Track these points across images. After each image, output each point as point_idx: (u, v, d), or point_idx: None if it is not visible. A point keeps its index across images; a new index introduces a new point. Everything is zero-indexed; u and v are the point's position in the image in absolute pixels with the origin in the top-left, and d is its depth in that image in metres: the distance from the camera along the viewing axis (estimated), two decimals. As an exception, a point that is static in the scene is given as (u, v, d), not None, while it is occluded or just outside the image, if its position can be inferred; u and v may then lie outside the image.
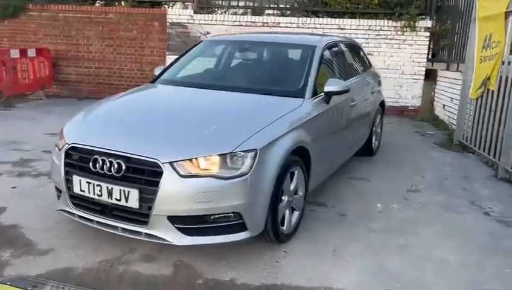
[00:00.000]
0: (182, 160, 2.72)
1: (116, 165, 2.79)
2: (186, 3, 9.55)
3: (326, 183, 4.46)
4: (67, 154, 3.01)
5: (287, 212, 3.26)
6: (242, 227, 2.83)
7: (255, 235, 2.94)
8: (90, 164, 2.88)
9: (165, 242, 2.76)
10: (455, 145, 6.41)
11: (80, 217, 3.00)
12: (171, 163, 2.69)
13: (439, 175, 5.05)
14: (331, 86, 3.74)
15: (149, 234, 2.77)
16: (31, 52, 8.86)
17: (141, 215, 2.75)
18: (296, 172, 3.29)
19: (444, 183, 4.79)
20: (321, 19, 8.87)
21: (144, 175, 2.73)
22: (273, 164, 2.93)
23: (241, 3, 9.72)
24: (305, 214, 3.77)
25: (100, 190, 2.83)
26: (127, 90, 4.02)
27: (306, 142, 3.34)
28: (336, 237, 3.43)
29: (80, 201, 2.98)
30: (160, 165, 2.69)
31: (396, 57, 8.78)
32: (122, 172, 2.77)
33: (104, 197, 2.83)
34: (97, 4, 9.76)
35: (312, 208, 3.96)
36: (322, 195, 4.23)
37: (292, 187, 3.26)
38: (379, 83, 5.79)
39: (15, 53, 8.39)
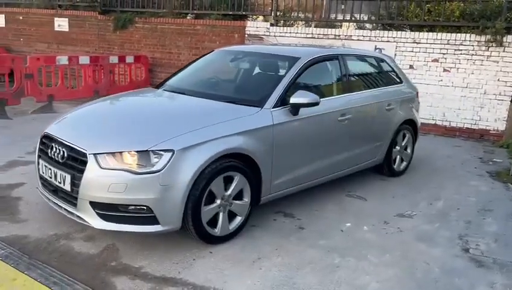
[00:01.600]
0: (105, 153, 3.07)
1: (61, 153, 3.27)
2: (266, 16, 9.94)
3: (314, 196, 4.41)
4: (41, 142, 3.59)
5: (221, 215, 3.38)
6: (154, 220, 3.07)
7: (171, 230, 3.15)
8: (49, 150, 3.41)
9: (86, 224, 3.14)
10: (510, 176, 5.63)
11: (45, 196, 3.55)
12: (95, 154, 3.07)
13: (453, 204, 4.56)
14: (297, 97, 3.73)
15: (78, 216, 3.17)
16: (129, 59, 10.13)
17: (72, 198, 3.17)
18: (235, 178, 3.39)
19: (449, 213, 4.32)
20: (394, 32, 8.47)
21: (76, 163, 3.15)
22: (192, 165, 3.10)
23: (316, 16, 9.76)
24: (261, 221, 3.84)
25: (51, 173, 3.34)
26: (123, 92, 4.54)
27: (249, 150, 3.42)
28: (272, 247, 3.43)
29: (43, 182, 3.53)
30: (87, 155, 3.08)
31: (478, 74, 7.95)
32: (64, 159, 3.24)
33: (53, 180, 3.32)
34: (188, 17, 10.72)
35: (276, 217, 3.98)
36: (298, 207, 4.20)
37: (229, 192, 3.38)
38: (410, 101, 5.42)
39: (114, 59, 9.71)
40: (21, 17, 12.65)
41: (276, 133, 3.64)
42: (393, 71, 5.32)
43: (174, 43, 10.61)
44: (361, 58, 4.98)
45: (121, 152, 3.07)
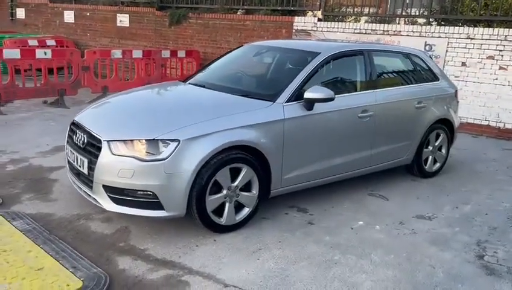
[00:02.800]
0: (117, 140, 3.28)
1: (82, 139, 3.53)
2: (314, 11, 9.86)
3: (333, 193, 4.40)
4: (70, 128, 3.89)
5: (227, 205, 3.49)
6: (159, 206, 3.24)
7: (176, 216, 3.30)
8: (73, 136, 3.70)
9: (99, 205, 3.38)
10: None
11: (71, 179, 3.85)
12: (108, 141, 3.29)
13: (482, 209, 4.33)
14: (311, 92, 3.74)
15: (94, 198, 3.42)
16: (181, 53, 10.51)
17: (89, 181, 3.42)
18: (243, 169, 3.48)
19: (474, 218, 4.12)
20: (447, 27, 8.08)
21: (93, 149, 3.40)
22: (197, 155, 3.23)
23: (365, 11, 9.52)
24: (272, 214, 3.90)
25: (74, 158, 3.62)
26: (149, 85, 4.77)
27: (257, 143, 3.49)
28: (275, 239, 3.48)
29: (70, 166, 3.83)
30: (102, 142, 3.31)
31: (540, 73, 7.39)
32: (85, 145, 3.50)
33: (76, 164, 3.60)
34: (238, 13, 10.89)
35: (289, 211, 4.01)
36: (314, 202, 4.20)
37: (236, 183, 3.48)
38: (447, 99, 5.18)
39: (166, 53, 10.12)
40: (88, 14, 13.52)
41: (287, 127, 3.68)
42: (428, 68, 5.12)
43: (225, 38, 10.84)
44: (390, 54, 4.85)
45: (131, 140, 3.26)
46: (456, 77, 7.93)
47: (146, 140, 3.23)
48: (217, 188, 3.41)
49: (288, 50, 4.50)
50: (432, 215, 4.12)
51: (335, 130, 4.05)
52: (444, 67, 8.02)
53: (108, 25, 13.06)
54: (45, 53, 7.83)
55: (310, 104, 3.79)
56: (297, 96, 3.80)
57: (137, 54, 9.45)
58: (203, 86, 4.22)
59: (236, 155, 3.43)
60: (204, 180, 3.28)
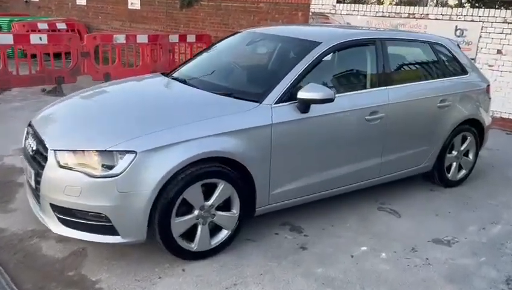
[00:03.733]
0: (65, 150, 2.73)
1: (32, 145, 3.00)
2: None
3: (335, 207, 3.77)
4: (27, 131, 3.36)
5: (200, 228, 2.91)
6: (113, 230, 2.69)
7: (134, 242, 2.75)
8: (25, 141, 3.17)
9: (47, 226, 2.85)
10: None
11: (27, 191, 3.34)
12: (55, 151, 2.74)
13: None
14: (306, 92, 3.08)
15: (41, 216, 2.90)
16: (191, 38, 9.89)
17: (37, 197, 2.90)
18: (219, 185, 2.89)
19: (504, 244, 3.41)
20: (480, 10, 7.18)
21: (41, 158, 2.86)
22: (159, 169, 2.65)
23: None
24: (260, 235, 3.31)
25: (25, 167, 3.10)
26: (128, 78, 4.19)
27: (236, 153, 2.88)
28: (257, 271, 2.89)
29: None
30: (48, 150, 2.76)
31: None
32: (34, 152, 2.96)
33: (26, 174, 3.08)
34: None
35: (280, 230, 3.41)
36: (311, 219, 3.58)
37: (211, 201, 2.89)
38: (476, 96, 4.41)
39: (174, 38, 9.52)
40: (100, -4, 13.05)
41: (276, 133, 3.05)
42: (455, 59, 4.34)
43: (237, 21, 10.16)
44: (409, 42, 4.09)
45: (81, 150, 2.70)
46: (490, 66, 7.08)
47: (97, 151, 2.66)
48: (187, 207, 2.84)
49: (284, 39, 3.82)
50: (452, 238, 3.44)
51: (336, 136, 3.39)
52: (476, 55, 7.17)
53: (120, 7, 12.56)
54: (40, 38, 7.37)
55: (304, 105, 3.14)
56: (290, 96, 3.15)
57: (142, 38, 8.90)
58: (184, 81, 3.61)
59: (211, 169, 2.83)
60: (168, 199, 2.71)
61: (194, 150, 2.74)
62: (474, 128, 4.42)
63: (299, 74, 3.23)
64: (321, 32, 3.83)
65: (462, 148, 4.40)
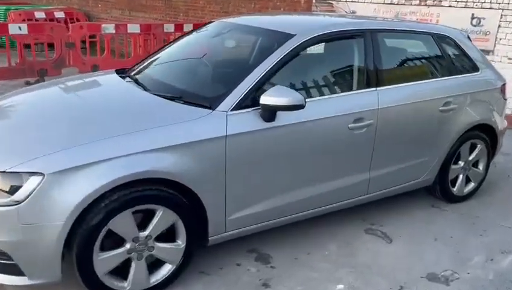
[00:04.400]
0: (-39, 170, 2.21)
1: None
2: (339, -22, 8.33)
3: (315, 229, 3.21)
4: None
5: (134, 264, 2.38)
6: (17, 270, 2.18)
7: (46, 283, 2.23)
8: None
9: None
10: None
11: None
12: (-50, 170, 2.23)
13: (530, 264, 2.99)
14: (270, 96, 2.51)
15: None
16: (187, 27, 9.30)
17: None
18: (158, 212, 2.36)
19: (516, 281, 2.80)
20: (500, -4, 6.42)
21: None
22: (75, 195, 2.12)
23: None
24: (217, 265, 2.77)
25: None
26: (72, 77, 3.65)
27: (178, 174, 2.33)
28: (202, 317, 2.35)
29: None
30: None
31: None
32: None
33: None
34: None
35: (243, 260, 2.86)
36: (283, 245, 3.03)
37: (148, 231, 2.36)
38: (489, 97, 3.76)
39: (169, 27, 8.95)
40: (99, -17, 12.56)
41: (232, 147, 2.48)
42: (464, 53, 3.69)
43: (237, 9, 9.55)
44: (407, 34, 3.44)
45: (-23, 170, 2.18)
46: (509, 59, 6.36)
47: (-3, 172, 2.14)
48: (116, 240, 2.31)
49: (254, 30, 3.22)
50: (451, 274, 2.84)
51: (311, 149, 2.80)
52: (494, 47, 6.46)
53: (119, -5, 12.06)
54: (20, 28, 6.88)
55: (269, 112, 2.57)
56: (252, 100, 2.58)
57: (133, 28, 8.34)
58: (136, 81, 3.06)
59: (145, 192, 2.29)
60: (88, 231, 2.19)
61: (121, 171, 2.20)
62: (485, 134, 3.77)
63: (265, 74, 2.65)
64: (298, 22, 3.23)
65: (470, 158, 3.77)
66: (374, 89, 3.05)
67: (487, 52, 6.26)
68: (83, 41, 7.86)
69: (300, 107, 2.53)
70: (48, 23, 8.72)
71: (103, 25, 7.96)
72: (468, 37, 3.88)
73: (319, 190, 2.92)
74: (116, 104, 2.68)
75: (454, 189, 3.76)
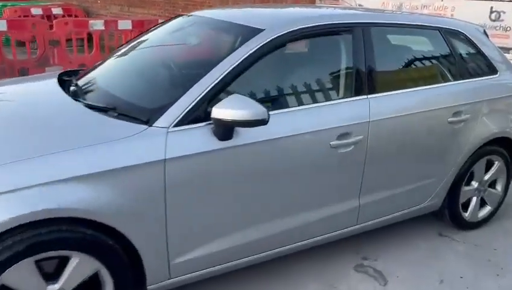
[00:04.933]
0: None
1: None
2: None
3: (296, 264, 2.64)
4: None
5: (43, 324, 1.85)
6: None
7: None
8: None
9: None
10: None
11: None
12: None
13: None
14: (224, 108, 1.95)
15: None
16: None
17: None
18: (73, 259, 1.82)
19: None
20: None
21: None
22: None
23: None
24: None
25: None
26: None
27: (99, 211, 1.79)
28: None
29: None
30: None
31: None
32: None
33: None
34: (254, -26, 8.96)
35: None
36: (256, 285, 2.46)
37: (60, 285, 1.82)
38: (509, 105, 3.13)
39: (164, 23, 8.45)
40: (98, -22, 12.13)
41: (173, 174, 1.93)
42: (479, 53, 3.07)
43: (237, 3, 8.98)
44: (408, 30, 2.83)
45: None
46: (532, 57, 5.66)
47: None
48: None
49: (218, 24, 2.64)
50: (459, 332, 2.24)
51: (282, 172, 2.24)
52: (515, 43, 5.76)
53: (118, -10, 11.60)
54: (-3, 24, 6.42)
55: (223, 129, 2.00)
56: (203, 113, 2.02)
57: (124, 25, 7.83)
58: (75, 86, 2.51)
59: (51, 236, 1.75)
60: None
61: (14, 209, 1.66)
62: (504, 149, 3.15)
63: (222, 79, 2.09)
64: (273, 15, 2.64)
65: (486, 178, 3.15)
66: (365, 96, 2.46)
67: (507, 50, 5.58)
68: (71, 39, 7.40)
69: (262, 122, 1.96)
70: (29, 19, 8.30)
71: (91, 21, 7.47)
72: (485, 33, 3.26)
73: (293, 223, 2.35)
74: (32, 119, 2.12)
75: (467, 214, 3.15)
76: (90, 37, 7.78)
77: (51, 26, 7.13)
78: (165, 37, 2.80)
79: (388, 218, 2.78)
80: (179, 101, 2.01)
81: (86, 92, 2.36)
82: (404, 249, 2.93)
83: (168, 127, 1.96)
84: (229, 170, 2.08)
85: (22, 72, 6.77)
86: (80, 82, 2.53)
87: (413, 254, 2.90)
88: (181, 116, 1.99)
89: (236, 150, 2.06)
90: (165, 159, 1.90)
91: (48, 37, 6.91)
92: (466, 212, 3.16)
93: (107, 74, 2.58)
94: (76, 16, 11.46)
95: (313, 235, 2.47)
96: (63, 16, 11.29)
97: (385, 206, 2.71)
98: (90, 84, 2.48)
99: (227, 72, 2.10)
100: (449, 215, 3.10)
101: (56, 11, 11.62)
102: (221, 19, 2.61)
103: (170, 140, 1.93)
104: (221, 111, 1.95)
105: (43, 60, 6.94)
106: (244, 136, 2.07)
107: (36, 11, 11.14)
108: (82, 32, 7.51)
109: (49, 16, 11.05)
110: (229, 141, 2.03)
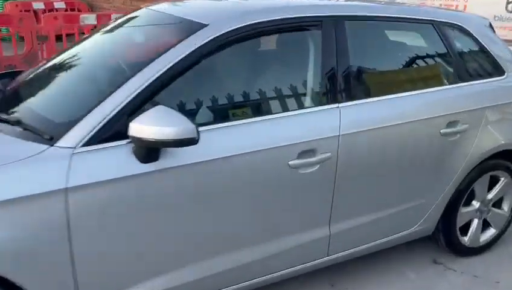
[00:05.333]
0: None
1: None
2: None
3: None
4: None
5: None
6: None
7: None
8: None
9: None
10: None
11: None
12: None
13: None
14: (143, 124, 1.57)
15: None
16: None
17: None
18: None
19: None
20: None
21: None
22: None
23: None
24: None
25: None
26: None
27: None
28: None
29: None
30: None
31: None
32: None
33: None
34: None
35: None
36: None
37: None
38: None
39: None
40: (101, -29, 11.85)
41: (79, 205, 1.56)
42: (483, 50, 2.59)
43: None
44: (393, 24, 2.36)
45: None
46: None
47: None
48: None
49: (161, 19, 2.23)
50: None
51: (227, 200, 1.84)
52: (533, 37, 5.21)
53: (121, -16, 11.30)
54: (-19, 19, 6.17)
55: (145, 149, 1.62)
56: (123, 128, 1.63)
57: (118, 18, 7.52)
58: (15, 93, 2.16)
59: None
60: None
61: None
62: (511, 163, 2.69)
63: (146, 87, 1.70)
64: (222, 7, 2.21)
65: (489, 197, 2.70)
66: (336, 105, 2.04)
67: (525, 44, 5.05)
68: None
69: (190, 141, 1.57)
70: (16, 14, 8.04)
71: (82, 16, 7.16)
72: (491, 26, 2.78)
73: (244, 258, 1.96)
74: None
75: (466, 239, 2.71)
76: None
77: (39, 21, 6.86)
78: (105, 37, 2.40)
79: (368, 247, 2.35)
80: (91, 113, 1.63)
81: (18, 101, 2.00)
82: (388, 280, 2.51)
83: (75, 147, 1.58)
84: (153, 201, 1.69)
85: (8, 69, 6.51)
86: (7, 89, 2.18)
87: (400, 287, 2.47)
88: (92, 132, 1.61)
89: (163, 175, 1.68)
90: (66, 188, 1.53)
91: (36, 33, 6.63)
92: (465, 236, 2.71)
93: (31, 80, 2.20)
94: (79, 10, 11.22)
95: (275, 270, 2.07)
96: (66, 10, 11.08)
97: (363, 233, 2.29)
98: (9, 92, 2.12)
99: (154, 77, 1.71)
100: (444, 240, 2.66)
101: (58, 5, 11.38)
102: (169, 13, 2.20)
103: (75, 164, 1.56)
104: (139, 128, 1.57)
105: (30, 57, 6.67)
106: (174, 156, 1.68)
107: (38, 5, 10.91)
108: (72, 27, 7.18)
109: (51, 10, 10.84)
110: (154, 163, 1.65)
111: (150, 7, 2.51)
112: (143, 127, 1.56)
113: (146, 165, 1.64)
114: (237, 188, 1.83)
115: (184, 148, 1.62)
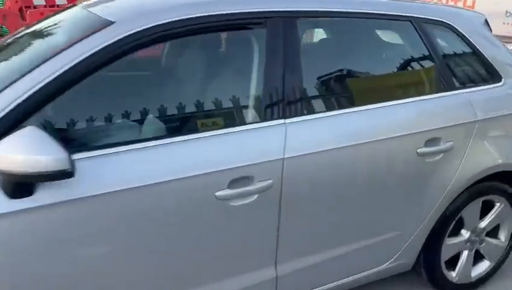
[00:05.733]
0: None
1: None
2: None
3: None
4: None
5: None
6: None
7: None
8: None
9: None
10: None
11: None
12: None
13: None
14: (7, 152, 1.22)
15: None
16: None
17: None
18: None
19: None
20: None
21: None
22: None
23: None
24: None
25: None
26: None
27: None
28: None
29: None
30: None
31: None
32: None
33: None
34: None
35: None
36: None
37: None
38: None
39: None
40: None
41: None
42: (475, 53, 2.17)
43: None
44: (361, 20, 1.95)
45: None
46: None
47: None
48: None
49: (82, 17, 1.85)
50: None
51: (136, 241, 1.49)
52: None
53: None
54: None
55: (13, 184, 1.27)
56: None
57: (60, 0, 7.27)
58: None
59: None
60: None
61: None
62: (509, 185, 2.27)
63: (28, 99, 1.35)
64: (143, 4, 1.83)
65: (482, 225, 2.28)
66: (281, 121, 1.66)
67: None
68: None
69: (63, 174, 1.22)
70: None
71: None
72: (486, 23, 2.35)
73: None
74: None
75: (454, 274, 2.30)
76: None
77: (24, 18, 6.61)
78: (32, 35, 2.05)
79: (328, 288, 1.97)
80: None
81: None
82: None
83: None
84: (26, 246, 1.34)
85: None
86: None
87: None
88: None
89: (40, 214, 1.32)
90: None
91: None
92: (453, 271, 2.30)
93: None
94: (81, 6, 11.01)
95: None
96: (67, 5, 10.87)
97: (321, 273, 1.91)
98: None
99: (41, 85, 1.36)
100: (427, 276, 2.27)
101: (60, 1, 11.19)
102: (90, 10, 1.83)
103: None
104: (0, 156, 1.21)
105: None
106: (55, 190, 1.33)
107: (38, 1, 10.72)
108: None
109: (52, 6, 10.63)
110: (27, 199, 1.30)
111: (82, 4, 2.14)
112: (4, 156, 1.21)
113: (17, 202, 1.29)
114: (150, 227, 1.47)
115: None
